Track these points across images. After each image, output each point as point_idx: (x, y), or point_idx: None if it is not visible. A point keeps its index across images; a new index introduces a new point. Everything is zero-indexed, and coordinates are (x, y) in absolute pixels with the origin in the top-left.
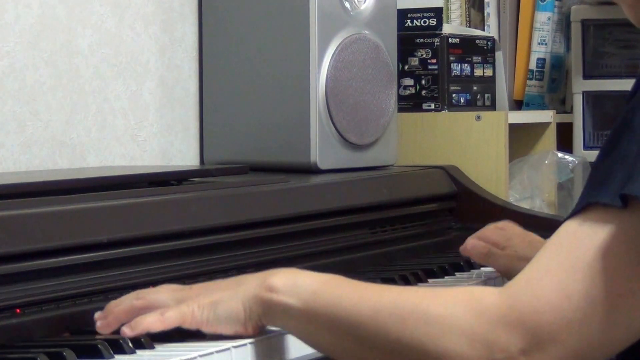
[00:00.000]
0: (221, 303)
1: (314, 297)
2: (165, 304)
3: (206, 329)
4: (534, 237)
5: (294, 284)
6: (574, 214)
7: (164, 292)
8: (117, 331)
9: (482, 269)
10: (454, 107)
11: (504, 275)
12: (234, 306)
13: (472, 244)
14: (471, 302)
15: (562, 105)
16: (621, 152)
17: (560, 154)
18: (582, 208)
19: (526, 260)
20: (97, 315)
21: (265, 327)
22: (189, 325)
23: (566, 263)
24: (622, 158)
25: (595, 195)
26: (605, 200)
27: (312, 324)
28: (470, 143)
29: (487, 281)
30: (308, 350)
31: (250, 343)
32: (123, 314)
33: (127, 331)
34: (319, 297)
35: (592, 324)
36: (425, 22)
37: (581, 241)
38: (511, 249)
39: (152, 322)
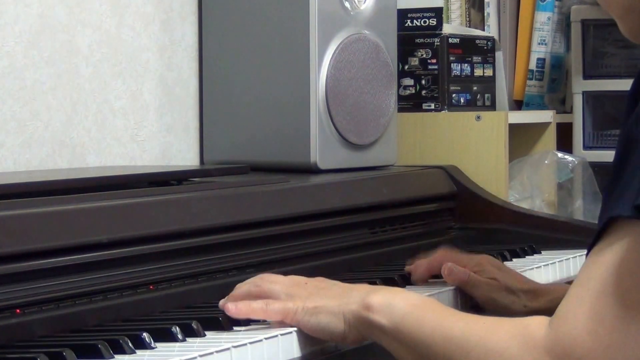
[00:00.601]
0: (324, 312)
1: (402, 320)
2: (277, 296)
3: (304, 330)
4: (497, 261)
5: (389, 305)
6: (596, 238)
7: (279, 284)
8: (118, 331)
9: None
10: (454, 107)
11: (483, 303)
12: (335, 318)
13: (449, 269)
14: (525, 337)
15: (562, 105)
16: (632, 166)
17: (560, 154)
18: (602, 228)
19: (508, 290)
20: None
21: (365, 339)
22: (290, 322)
23: (596, 288)
24: (633, 171)
25: (612, 210)
26: (621, 213)
27: (399, 344)
28: (470, 143)
29: None
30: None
31: (250, 343)
32: (239, 297)
33: (232, 308)
34: (406, 320)
35: (629, 343)
36: (425, 22)
37: (606, 262)
38: (485, 274)
39: (256, 309)
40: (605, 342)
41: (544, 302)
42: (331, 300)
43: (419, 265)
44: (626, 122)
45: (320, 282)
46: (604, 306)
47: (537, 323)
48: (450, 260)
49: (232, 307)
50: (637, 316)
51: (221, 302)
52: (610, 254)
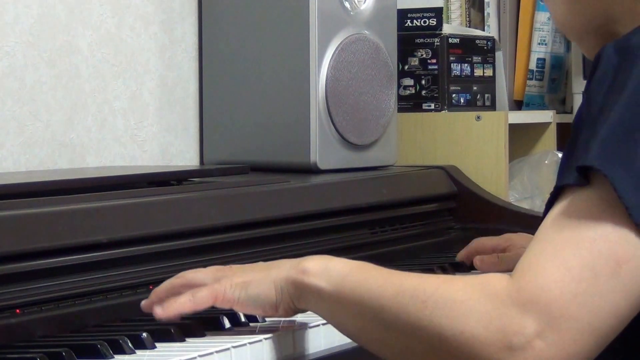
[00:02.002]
0: (253, 283)
1: (343, 281)
2: (203, 282)
3: (237, 308)
4: (525, 235)
5: (326, 268)
6: (550, 204)
7: (203, 272)
8: (117, 331)
9: None
10: (454, 107)
11: None
12: (266, 287)
13: (480, 260)
14: (485, 286)
15: (562, 105)
16: (581, 138)
17: (560, 154)
18: (555, 196)
19: None
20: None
21: (296, 309)
22: (220, 303)
23: (559, 240)
24: (582, 142)
25: (562, 179)
26: (567, 181)
27: (341, 307)
28: (470, 143)
29: None
30: (308, 350)
31: (250, 343)
32: (163, 292)
33: (159, 312)
34: (348, 280)
35: (597, 293)
36: (425, 22)
37: (567, 220)
38: (515, 248)
39: (184, 303)
40: (572, 291)
41: None
42: (259, 273)
43: (458, 256)
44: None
45: (243, 265)
46: (570, 255)
47: (497, 276)
48: (482, 245)
49: (159, 310)
50: (605, 267)
51: (144, 303)
52: (571, 213)
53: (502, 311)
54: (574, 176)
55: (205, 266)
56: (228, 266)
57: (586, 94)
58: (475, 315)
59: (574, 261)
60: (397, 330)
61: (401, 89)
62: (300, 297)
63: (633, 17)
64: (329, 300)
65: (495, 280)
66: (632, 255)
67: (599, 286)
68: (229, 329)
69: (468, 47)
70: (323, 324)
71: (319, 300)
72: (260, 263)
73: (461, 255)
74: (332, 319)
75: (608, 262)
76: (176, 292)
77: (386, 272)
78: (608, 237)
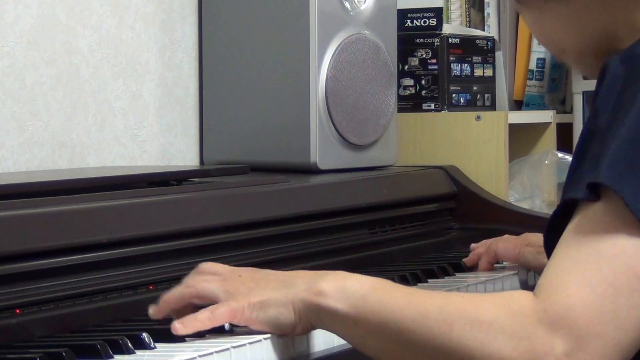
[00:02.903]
0: (272, 304)
1: (362, 303)
2: (214, 294)
3: (254, 327)
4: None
5: (343, 288)
6: (559, 212)
7: (213, 282)
8: (117, 331)
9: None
10: (454, 107)
11: (535, 269)
12: (284, 309)
13: (503, 247)
14: (511, 306)
15: (562, 105)
16: (590, 152)
17: (560, 154)
18: (560, 209)
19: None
20: (151, 306)
21: (313, 328)
22: (238, 322)
23: (579, 257)
24: (591, 157)
25: (569, 192)
26: (575, 195)
27: (360, 329)
28: (470, 143)
29: (487, 282)
30: (307, 351)
31: (250, 343)
32: (173, 301)
33: (179, 328)
34: (367, 302)
35: (620, 309)
36: (425, 22)
37: (585, 236)
38: (533, 246)
39: (204, 321)
40: (597, 309)
41: None
42: (276, 292)
43: (507, 248)
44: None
45: (254, 272)
46: (591, 272)
47: (521, 294)
48: (501, 243)
49: (179, 326)
50: (627, 283)
51: (153, 311)
52: (588, 229)
53: (530, 332)
54: (584, 191)
55: None
56: (238, 274)
57: (593, 106)
58: (504, 337)
59: (596, 279)
60: (422, 352)
61: (401, 89)
62: (317, 318)
63: (633, 32)
64: (347, 322)
65: (520, 299)
66: None
67: (621, 302)
68: (228, 329)
69: (468, 47)
70: None
71: (337, 322)
72: (276, 275)
73: (483, 262)
74: (352, 340)
75: (628, 277)
76: (186, 302)
77: (407, 291)
78: (626, 252)
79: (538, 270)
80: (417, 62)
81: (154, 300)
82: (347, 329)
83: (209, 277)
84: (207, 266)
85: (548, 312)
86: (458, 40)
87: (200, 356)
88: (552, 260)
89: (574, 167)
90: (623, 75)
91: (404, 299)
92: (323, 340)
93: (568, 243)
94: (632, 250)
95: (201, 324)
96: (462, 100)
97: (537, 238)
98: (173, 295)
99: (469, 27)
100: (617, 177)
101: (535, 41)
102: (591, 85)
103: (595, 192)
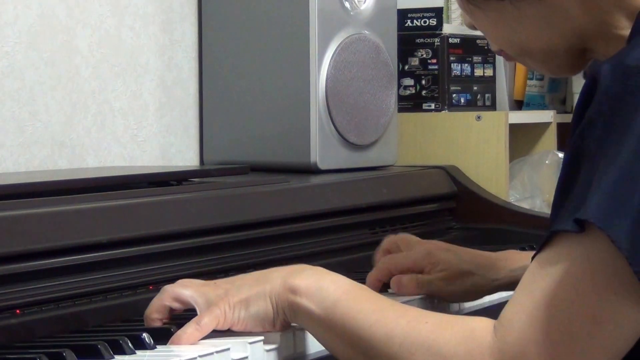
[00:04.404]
0: (251, 302)
1: (333, 308)
2: (192, 298)
3: (237, 328)
4: (444, 244)
5: (318, 288)
6: (540, 247)
7: (189, 287)
8: (118, 331)
9: None
10: (454, 107)
11: (449, 299)
12: (263, 305)
13: (398, 284)
14: (471, 343)
15: (563, 105)
16: (580, 179)
17: (560, 154)
18: (546, 240)
19: (464, 273)
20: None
21: (290, 324)
22: (221, 326)
23: (539, 299)
24: (580, 184)
25: (556, 224)
26: (563, 227)
27: (330, 332)
28: (470, 143)
29: None
30: (307, 350)
31: (249, 343)
32: (157, 314)
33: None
34: (339, 308)
35: (575, 353)
36: (425, 22)
37: (549, 273)
38: (437, 266)
39: (192, 334)
40: (551, 354)
41: (505, 273)
42: (252, 288)
43: (369, 278)
44: (572, 136)
45: (228, 278)
46: (549, 318)
47: (482, 327)
48: (395, 265)
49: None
50: (581, 330)
51: (150, 311)
52: (555, 264)
53: None
54: (570, 223)
55: (204, 266)
56: (211, 282)
57: (579, 120)
58: None
59: (553, 324)
60: None
61: (401, 89)
62: (292, 314)
63: (608, 32)
64: (318, 322)
65: (480, 335)
66: (611, 317)
67: (577, 347)
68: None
69: (468, 47)
70: None
71: (310, 321)
72: (251, 274)
73: (372, 277)
74: (322, 341)
75: (585, 324)
76: (168, 310)
77: (379, 305)
78: (588, 297)
79: (447, 299)
80: (417, 62)
81: None
82: (318, 329)
83: (185, 282)
84: (180, 280)
85: (503, 353)
86: (458, 40)
87: (200, 356)
88: (518, 290)
89: (560, 193)
90: (616, 91)
91: (374, 316)
92: None
93: (534, 276)
94: (594, 296)
95: (191, 337)
96: (462, 100)
97: (447, 255)
98: (153, 306)
99: None
100: (607, 215)
101: None
102: None
103: (581, 226)
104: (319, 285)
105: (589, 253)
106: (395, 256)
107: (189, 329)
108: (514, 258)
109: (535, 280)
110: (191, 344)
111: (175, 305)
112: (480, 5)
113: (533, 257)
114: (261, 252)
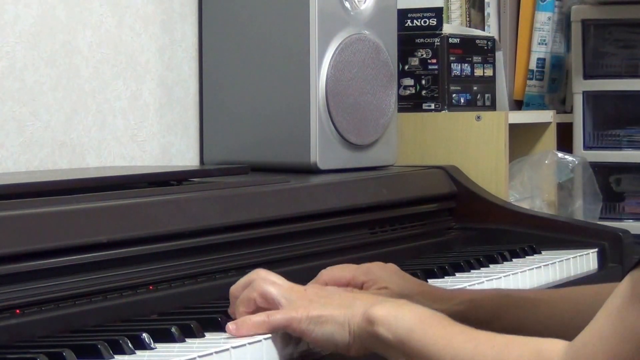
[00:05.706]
0: (329, 321)
1: (408, 336)
2: (277, 299)
3: (308, 340)
4: (390, 265)
5: (395, 318)
6: (633, 266)
7: (277, 286)
8: (118, 331)
9: (482, 269)
10: (454, 107)
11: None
12: (340, 329)
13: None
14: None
15: (562, 105)
16: None
17: (560, 154)
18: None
19: (403, 296)
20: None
21: (369, 351)
22: (292, 331)
23: (619, 329)
24: None
25: None
26: None
27: (407, 358)
28: (470, 143)
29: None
30: (308, 350)
31: (249, 343)
32: (242, 307)
33: (232, 329)
34: (412, 337)
35: None
36: (425, 22)
37: (632, 303)
38: (375, 284)
39: (259, 324)
40: None
41: (449, 305)
42: (335, 310)
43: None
44: None
45: (318, 289)
46: (624, 352)
47: (550, 349)
48: (333, 279)
49: (232, 327)
50: None
51: (229, 310)
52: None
53: None
54: None
55: (205, 266)
56: (303, 288)
57: None
58: None
59: (625, 354)
60: None
61: (401, 89)
62: (370, 343)
63: None
64: (395, 350)
65: (549, 356)
66: None
67: None
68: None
69: (468, 47)
70: None
71: (387, 349)
72: (337, 292)
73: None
74: None
75: None
76: (253, 304)
77: (448, 332)
78: None
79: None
80: (417, 62)
81: (154, 300)
82: (395, 356)
83: (273, 277)
84: (270, 274)
85: None
86: (458, 40)
87: (200, 356)
88: (599, 314)
89: None
90: None
91: (442, 342)
92: None
93: (620, 295)
94: None
95: (255, 326)
96: (462, 100)
97: (389, 276)
98: (241, 300)
99: (469, 27)
100: None
101: (535, 41)
102: (591, 85)
103: None
104: (395, 315)
105: None
106: (331, 268)
107: (257, 318)
108: (462, 295)
109: (619, 307)
110: (250, 334)
111: (260, 301)
112: None
113: (626, 272)
114: (261, 252)
